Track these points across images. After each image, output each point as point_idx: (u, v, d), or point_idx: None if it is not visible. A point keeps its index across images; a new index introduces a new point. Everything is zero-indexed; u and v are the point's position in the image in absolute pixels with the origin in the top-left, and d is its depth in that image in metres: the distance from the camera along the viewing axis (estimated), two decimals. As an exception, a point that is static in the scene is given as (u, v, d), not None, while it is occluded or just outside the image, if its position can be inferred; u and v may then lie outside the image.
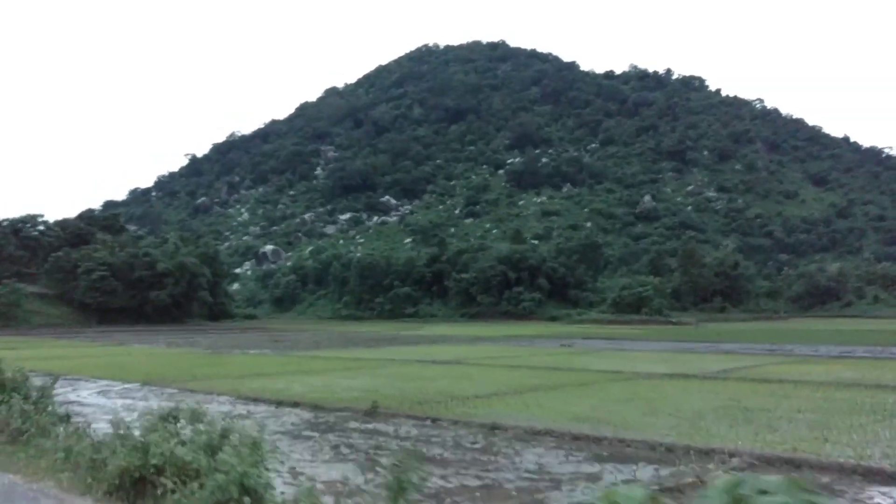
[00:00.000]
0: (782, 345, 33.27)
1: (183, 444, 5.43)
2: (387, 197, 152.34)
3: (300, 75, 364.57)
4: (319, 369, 22.91)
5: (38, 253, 75.83)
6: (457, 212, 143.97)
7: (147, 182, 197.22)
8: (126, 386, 19.77)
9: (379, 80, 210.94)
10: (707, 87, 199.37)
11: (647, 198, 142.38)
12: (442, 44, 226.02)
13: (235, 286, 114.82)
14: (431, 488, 7.56)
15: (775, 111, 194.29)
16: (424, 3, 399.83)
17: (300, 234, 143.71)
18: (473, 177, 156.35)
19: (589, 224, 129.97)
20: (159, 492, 5.62)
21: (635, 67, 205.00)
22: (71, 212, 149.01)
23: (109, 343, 42.58)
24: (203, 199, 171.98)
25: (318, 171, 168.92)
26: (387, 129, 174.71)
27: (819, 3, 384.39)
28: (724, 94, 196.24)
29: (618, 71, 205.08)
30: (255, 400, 15.90)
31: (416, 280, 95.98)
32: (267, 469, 5.47)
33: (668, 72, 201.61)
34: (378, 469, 7.66)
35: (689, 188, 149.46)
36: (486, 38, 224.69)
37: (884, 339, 36.02)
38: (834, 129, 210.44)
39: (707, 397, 14.27)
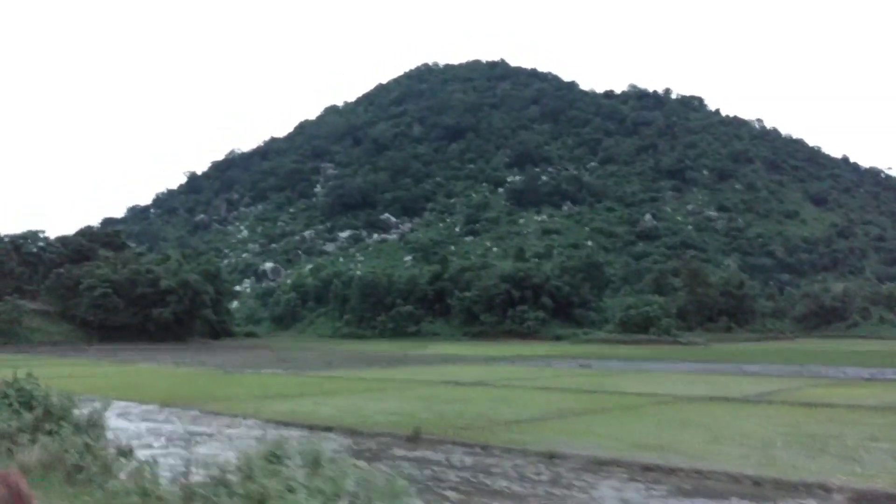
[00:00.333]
0: (804, 366, 32.66)
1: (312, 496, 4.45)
2: (386, 215, 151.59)
3: (299, 93, 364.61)
4: (341, 390, 22.23)
5: (39, 269, 74.88)
6: (457, 230, 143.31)
7: (146, 199, 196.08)
8: (145, 407, 19.07)
9: (378, 99, 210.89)
10: (706, 106, 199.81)
11: (648, 217, 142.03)
12: (441, 63, 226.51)
13: (235, 304, 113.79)
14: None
15: (774, 131, 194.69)
16: (424, 23, 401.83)
17: (300, 252, 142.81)
18: (473, 195, 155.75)
19: (590, 242, 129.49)
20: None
21: (634, 87, 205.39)
22: (69, 229, 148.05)
23: (114, 361, 41.79)
24: (202, 216, 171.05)
25: (318, 188, 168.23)
26: (386, 146, 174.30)
27: (816, 24, 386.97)
28: (723, 113, 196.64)
29: (617, 90, 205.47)
30: (285, 424, 15.22)
31: (419, 298, 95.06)
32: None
33: (667, 91, 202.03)
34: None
35: (690, 207, 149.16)
36: (485, 58, 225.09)
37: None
38: (833, 150, 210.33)
39: (764, 423, 13.64)
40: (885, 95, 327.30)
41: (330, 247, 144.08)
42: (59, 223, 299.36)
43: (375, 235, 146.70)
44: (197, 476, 5.94)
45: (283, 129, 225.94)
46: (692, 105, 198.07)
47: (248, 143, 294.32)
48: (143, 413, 17.96)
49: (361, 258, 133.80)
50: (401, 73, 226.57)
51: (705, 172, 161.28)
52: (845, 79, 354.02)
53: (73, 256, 75.95)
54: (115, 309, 69.28)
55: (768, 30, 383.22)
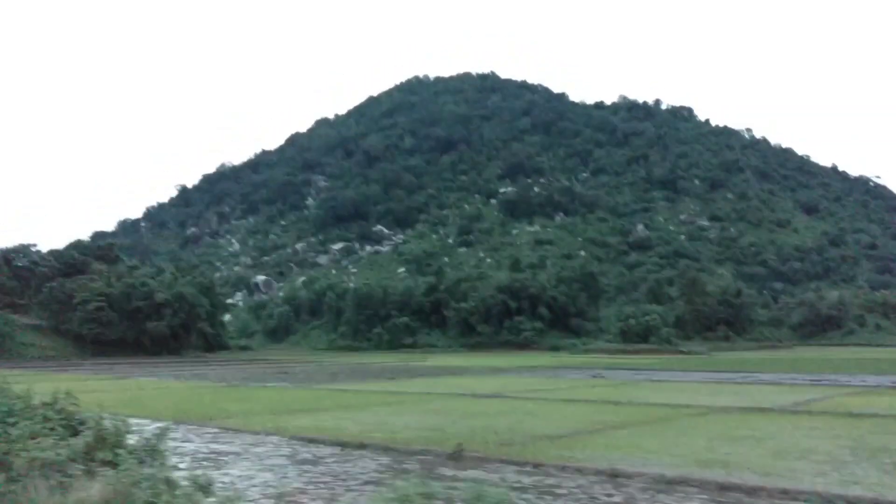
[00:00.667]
0: (819, 375, 32.22)
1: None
2: (379, 226, 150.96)
3: (290, 106, 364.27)
4: (357, 404, 21.53)
5: (31, 283, 73.73)
6: (450, 241, 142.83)
7: (136, 213, 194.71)
8: (158, 425, 18.27)
9: (369, 111, 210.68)
10: (696, 116, 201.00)
11: (640, 227, 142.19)
12: (432, 75, 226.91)
13: (227, 317, 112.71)
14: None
15: (764, 140, 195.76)
16: (414, 35, 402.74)
17: (292, 265, 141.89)
18: (466, 206, 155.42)
19: (583, 253, 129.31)
20: None
21: (625, 98, 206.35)
22: (58, 243, 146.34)
23: (112, 376, 40.80)
24: (193, 229, 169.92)
25: (310, 200, 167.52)
26: (378, 158, 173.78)
27: (802, 35, 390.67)
28: (713, 123, 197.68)
29: (607, 101, 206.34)
30: (312, 441, 14.51)
31: (415, 310, 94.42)
32: None
33: (658, 102, 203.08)
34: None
35: (682, 217, 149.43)
36: (475, 70, 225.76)
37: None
38: (821, 158, 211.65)
39: (819, 436, 13.07)
40: (870, 105, 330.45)
41: (322, 259, 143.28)
42: (49, 237, 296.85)
43: (368, 247, 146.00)
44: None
45: (274, 142, 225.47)
46: (682, 115, 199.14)
47: (239, 156, 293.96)
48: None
49: (354, 270, 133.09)
50: (391, 85, 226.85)
51: (697, 182, 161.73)
52: (831, 88, 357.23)
53: (66, 270, 74.83)
54: (110, 323, 68.22)
55: (754, 41, 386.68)
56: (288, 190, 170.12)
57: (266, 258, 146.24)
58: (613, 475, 9.99)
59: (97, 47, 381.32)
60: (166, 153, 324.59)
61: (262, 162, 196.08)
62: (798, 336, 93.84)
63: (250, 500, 8.83)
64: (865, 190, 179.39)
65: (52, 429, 6.72)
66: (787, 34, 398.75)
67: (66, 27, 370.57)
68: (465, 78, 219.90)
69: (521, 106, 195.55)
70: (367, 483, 10.39)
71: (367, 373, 40.54)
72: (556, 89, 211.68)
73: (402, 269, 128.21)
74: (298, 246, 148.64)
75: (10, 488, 5.73)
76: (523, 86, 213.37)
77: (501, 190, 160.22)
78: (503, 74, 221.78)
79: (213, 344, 79.75)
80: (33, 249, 78.59)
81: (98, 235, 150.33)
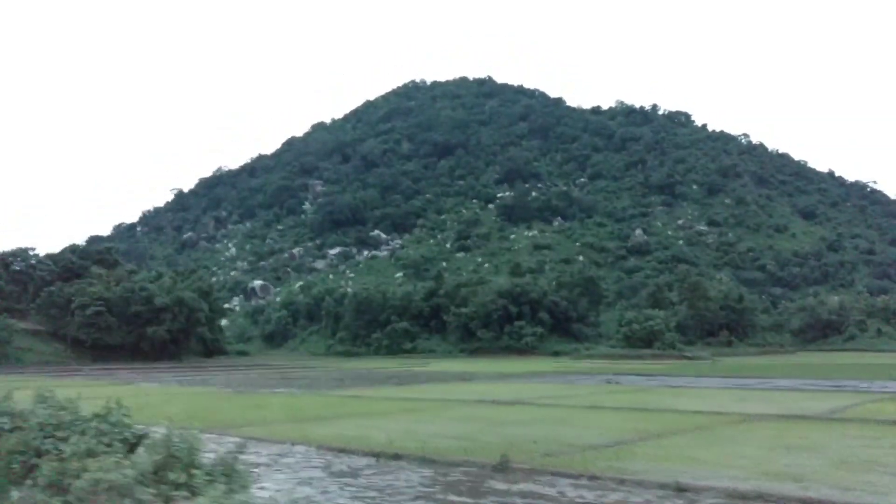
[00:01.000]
0: (836, 380, 31.77)
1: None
2: (376, 231, 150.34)
3: (287, 110, 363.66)
4: (377, 411, 20.94)
5: (29, 288, 72.82)
6: (448, 246, 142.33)
7: (132, 217, 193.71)
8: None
9: (366, 115, 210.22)
10: (693, 122, 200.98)
11: (639, 231, 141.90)
12: (429, 80, 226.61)
13: (224, 322, 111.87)
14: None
15: (761, 146, 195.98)
16: (411, 40, 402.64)
17: (289, 269, 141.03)
18: (464, 211, 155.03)
19: (581, 258, 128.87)
20: None
21: (622, 103, 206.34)
22: (54, 247, 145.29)
23: (114, 382, 40.09)
24: (190, 234, 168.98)
25: (307, 205, 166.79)
26: (375, 163, 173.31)
27: (798, 40, 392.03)
28: (710, 129, 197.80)
29: (604, 106, 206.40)
30: (342, 451, 13.92)
31: (414, 315, 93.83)
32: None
33: (655, 107, 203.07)
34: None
35: (680, 222, 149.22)
36: (472, 75, 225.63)
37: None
38: (818, 164, 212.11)
39: (874, 445, 12.56)
40: (867, 110, 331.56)
41: (320, 264, 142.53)
42: (45, 241, 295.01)
43: (365, 252, 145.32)
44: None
45: (270, 146, 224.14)
46: (679, 120, 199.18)
47: (235, 160, 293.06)
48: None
49: (352, 275, 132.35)
50: (388, 89, 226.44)
51: (695, 187, 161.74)
52: (828, 94, 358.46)
53: (64, 274, 73.94)
54: (109, 328, 67.37)
55: (751, 46, 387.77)
56: (285, 194, 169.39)
57: (263, 263, 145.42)
58: (679, 489, 9.44)
59: (95, 53, 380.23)
60: (163, 157, 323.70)
61: (258, 166, 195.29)
62: (799, 341, 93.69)
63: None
64: (862, 195, 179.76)
65: (108, 444, 6.08)
66: (785, 39, 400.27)
67: (64, 32, 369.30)
68: (462, 83, 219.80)
69: (519, 111, 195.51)
70: (417, 498, 9.83)
71: (373, 378, 39.94)
72: (553, 94, 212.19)
73: (399, 274, 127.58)
74: (295, 251, 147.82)
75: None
76: (520, 90, 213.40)
77: (499, 195, 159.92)
78: (500, 79, 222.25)
79: (212, 349, 78.96)
80: (31, 253, 77.71)
81: (94, 240, 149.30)
